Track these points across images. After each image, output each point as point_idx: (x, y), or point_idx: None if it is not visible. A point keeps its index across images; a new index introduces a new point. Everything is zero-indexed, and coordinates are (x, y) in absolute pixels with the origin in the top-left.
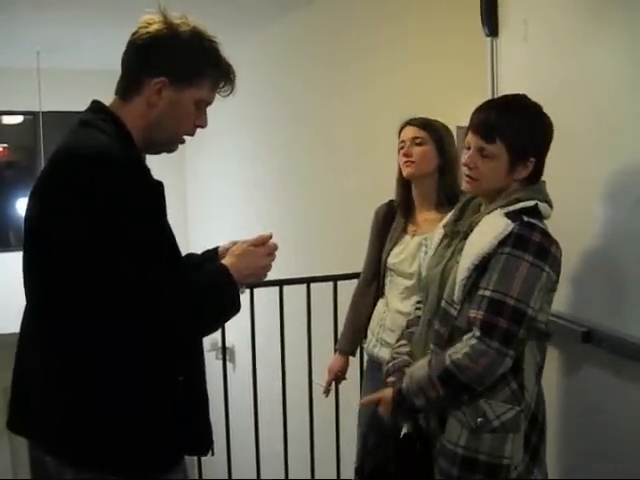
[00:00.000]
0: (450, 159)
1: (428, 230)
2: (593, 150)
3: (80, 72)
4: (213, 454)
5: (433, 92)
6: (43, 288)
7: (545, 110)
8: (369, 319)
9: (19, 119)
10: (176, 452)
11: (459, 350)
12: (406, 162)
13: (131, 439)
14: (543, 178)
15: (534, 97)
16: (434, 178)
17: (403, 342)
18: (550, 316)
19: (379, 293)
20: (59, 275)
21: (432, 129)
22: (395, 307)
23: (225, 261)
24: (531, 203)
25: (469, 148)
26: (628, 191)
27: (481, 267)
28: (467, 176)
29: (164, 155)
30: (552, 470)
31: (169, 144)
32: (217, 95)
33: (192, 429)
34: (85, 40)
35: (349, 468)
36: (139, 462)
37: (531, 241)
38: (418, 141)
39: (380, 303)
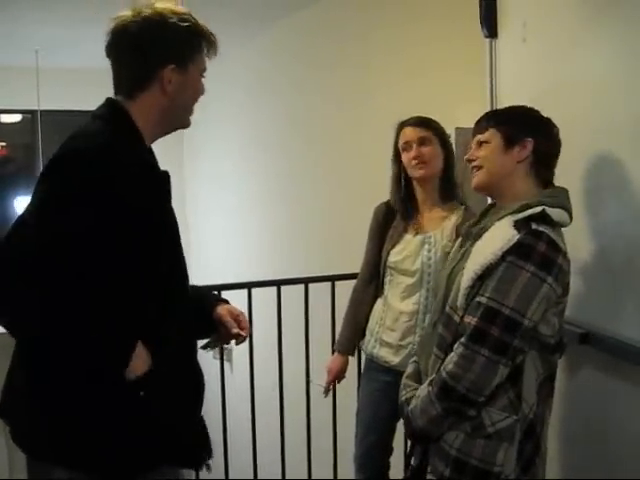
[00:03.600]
0: (452, 153)
1: (433, 228)
2: (591, 150)
3: (79, 71)
4: (209, 470)
5: (432, 94)
6: None
7: (543, 111)
8: (368, 319)
9: (17, 118)
10: (146, 459)
11: (451, 359)
12: (418, 164)
13: (92, 441)
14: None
15: (532, 98)
16: (439, 175)
17: (414, 359)
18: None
19: (378, 293)
20: None
21: (434, 127)
22: (395, 306)
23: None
24: (538, 209)
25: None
26: (626, 193)
27: (484, 277)
28: (472, 169)
29: (162, 157)
30: (551, 470)
31: (184, 121)
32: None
33: (167, 441)
34: (84, 39)
35: (346, 468)
36: (106, 463)
37: (535, 250)
38: (425, 141)
39: (378, 302)
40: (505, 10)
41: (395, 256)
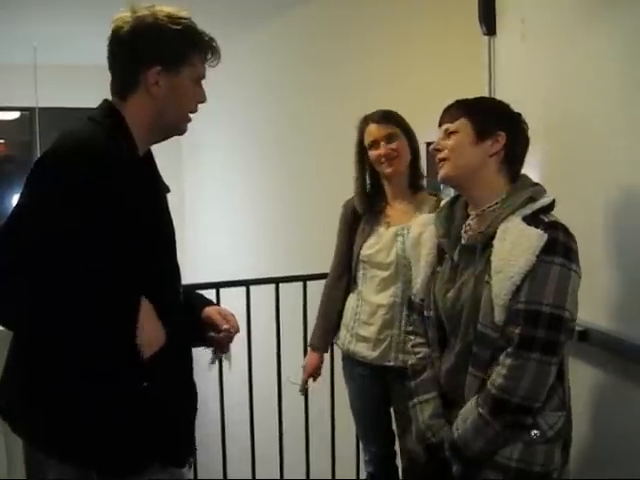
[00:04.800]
0: (416, 144)
1: (406, 220)
2: (590, 149)
3: (77, 68)
4: (191, 467)
5: (430, 92)
6: None
7: (542, 109)
8: (341, 314)
9: (16, 115)
10: (143, 457)
11: (499, 374)
12: (387, 161)
13: (88, 438)
14: (542, 179)
15: (531, 96)
16: (407, 168)
17: (431, 395)
18: None
19: (350, 288)
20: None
21: (398, 120)
22: (371, 300)
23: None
24: (549, 200)
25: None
26: (626, 191)
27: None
28: (438, 161)
29: (160, 154)
30: None
31: (178, 127)
32: (208, 67)
33: (162, 439)
34: (82, 36)
35: (344, 467)
36: (100, 459)
37: (558, 242)
38: (392, 137)
39: (351, 297)
40: (504, 7)
41: (368, 249)
